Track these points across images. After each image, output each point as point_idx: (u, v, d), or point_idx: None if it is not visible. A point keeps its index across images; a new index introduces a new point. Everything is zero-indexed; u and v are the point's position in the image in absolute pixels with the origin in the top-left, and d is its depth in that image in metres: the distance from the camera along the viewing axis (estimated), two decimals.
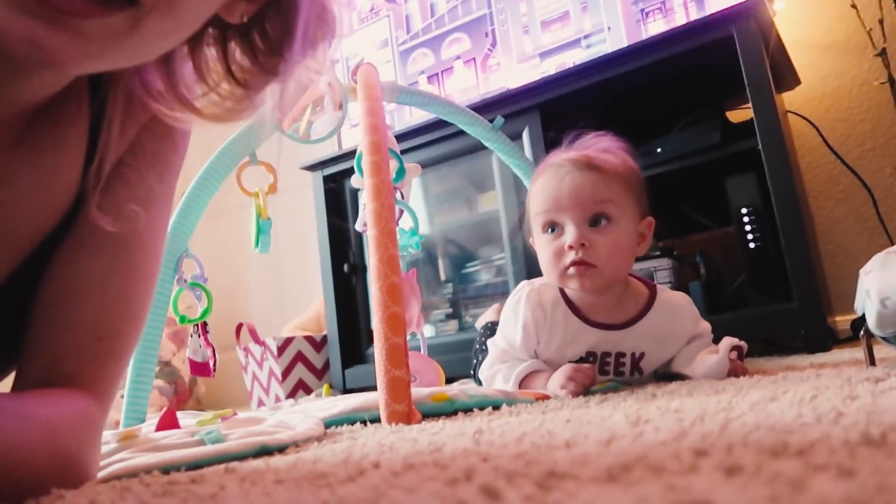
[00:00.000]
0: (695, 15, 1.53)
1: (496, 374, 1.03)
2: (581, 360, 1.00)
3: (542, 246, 0.99)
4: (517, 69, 1.78)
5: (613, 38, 1.63)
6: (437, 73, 1.93)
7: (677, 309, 1.01)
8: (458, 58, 1.89)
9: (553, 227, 0.98)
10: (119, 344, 0.51)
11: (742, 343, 0.95)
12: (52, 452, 0.42)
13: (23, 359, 0.48)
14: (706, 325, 1.04)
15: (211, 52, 0.49)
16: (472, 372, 1.22)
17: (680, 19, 1.55)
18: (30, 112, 0.46)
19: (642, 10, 1.60)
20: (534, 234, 1.02)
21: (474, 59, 1.86)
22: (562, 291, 1.01)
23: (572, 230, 0.95)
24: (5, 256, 0.48)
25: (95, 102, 0.50)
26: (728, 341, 0.93)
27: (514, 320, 1.02)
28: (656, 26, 1.57)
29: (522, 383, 0.99)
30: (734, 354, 0.93)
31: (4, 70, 0.41)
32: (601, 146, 1.01)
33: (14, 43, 0.35)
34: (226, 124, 0.52)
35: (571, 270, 0.95)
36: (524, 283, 1.06)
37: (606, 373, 1.01)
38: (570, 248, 0.95)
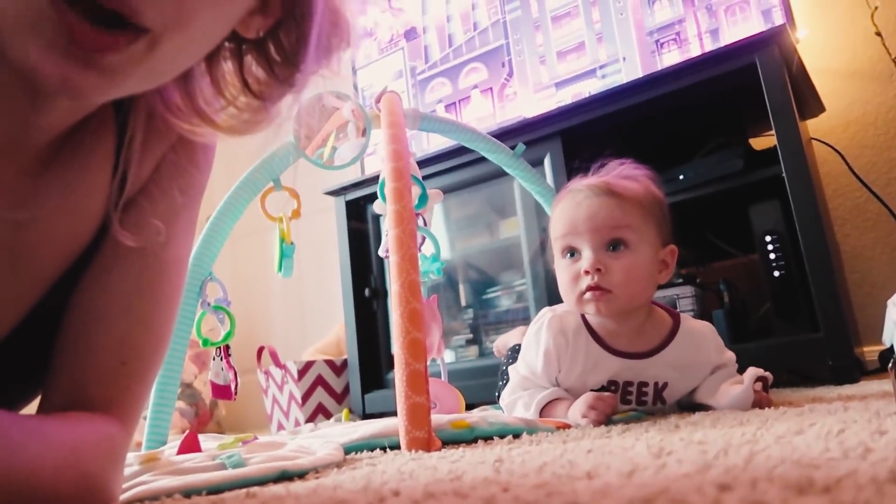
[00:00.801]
0: (709, 46, 1.54)
1: (517, 400, 1.02)
2: (603, 389, 0.99)
3: (561, 270, 1.00)
4: (533, 98, 1.80)
5: (629, 69, 1.65)
6: (454, 102, 1.96)
7: (701, 338, 1.00)
8: (476, 87, 1.92)
9: (572, 251, 0.99)
10: (142, 367, 0.51)
11: (767, 374, 0.94)
12: (76, 475, 0.42)
13: (48, 382, 0.48)
14: (731, 355, 1.02)
15: (228, 66, 0.50)
16: (496, 395, 1.22)
17: (694, 50, 1.56)
18: (56, 137, 0.47)
19: (657, 41, 1.62)
20: (554, 258, 1.03)
21: (491, 88, 1.89)
22: (584, 318, 1.01)
23: (589, 255, 0.96)
24: (34, 280, 0.49)
25: (119, 124, 0.51)
26: (752, 372, 0.92)
27: (535, 347, 1.02)
28: (671, 57, 1.59)
29: (543, 411, 0.98)
30: (759, 385, 0.92)
31: (32, 98, 0.43)
32: (624, 173, 1.01)
33: (46, 80, 0.37)
34: (243, 137, 0.52)
35: (588, 295, 0.95)
36: (546, 309, 1.06)
37: (629, 402, 1.00)
38: (586, 272, 0.95)
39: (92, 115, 0.48)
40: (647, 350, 0.98)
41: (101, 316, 0.49)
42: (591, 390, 0.98)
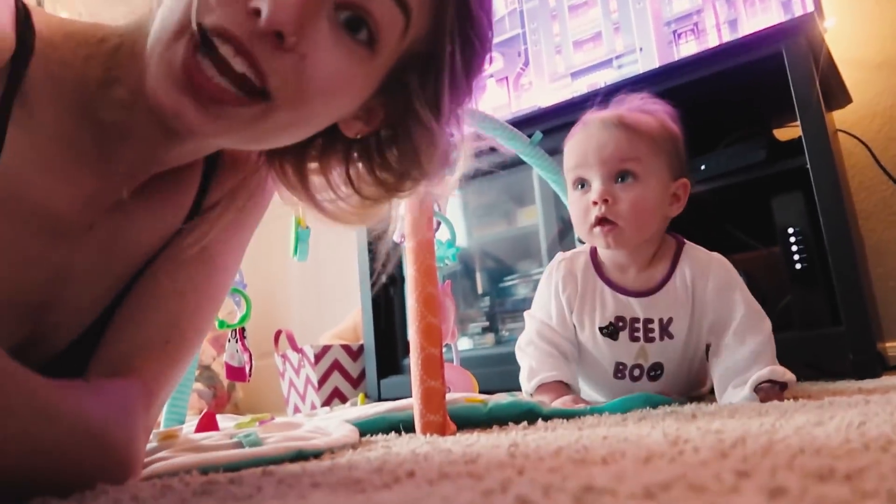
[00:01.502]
0: (728, 37, 1.52)
1: (526, 355, 1.05)
2: (610, 325, 1.03)
3: (572, 202, 1.04)
4: (549, 88, 1.79)
5: (645, 59, 1.63)
6: None
7: (704, 267, 1.00)
8: (491, 76, 1.91)
9: (582, 183, 1.02)
10: (182, 350, 0.54)
11: (785, 378, 0.90)
12: (103, 445, 0.44)
13: (100, 345, 0.52)
14: (755, 322, 0.96)
15: (339, 167, 0.55)
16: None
17: (712, 41, 1.54)
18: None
19: (675, 32, 1.60)
20: (568, 191, 1.07)
21: (507, 77, 1.88)
22: (593, 256, 1.06)
23: (597, 186, 0.99)
24: (119, 278, 0.54)
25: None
26: (758, 376, 0.89)
27: (546, 289, 1.08)
28: (688, 47, 1.57)
29: (538, 388, 1.02)
30: (768, 386, 0.89)
31: (166, 137, 0.48)
32: (640, 106, 1.04)
33: (163, 112, 0.43)
34: (346, 226, 0.57)
35: (597, 230, 0.99)
36: (559, 253, 1.11)
37: (637, 339, 1.02)
38: (595, 203, 0.98)
39: None
40: (652, 287, 1.01)
41: (155, 297, 0.54)
42: (599, 328, 1.02)
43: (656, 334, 1.01)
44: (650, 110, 1.03)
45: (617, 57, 1.68)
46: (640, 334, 1.02)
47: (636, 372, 1.04)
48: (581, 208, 1.01)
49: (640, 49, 1.65)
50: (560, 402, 0.95)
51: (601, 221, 0.98)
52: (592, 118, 1.03)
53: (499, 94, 1.89)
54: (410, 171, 0.54)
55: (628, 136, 0.98)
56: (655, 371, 1.03)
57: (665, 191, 1.00)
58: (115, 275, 0.54)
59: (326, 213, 0.56)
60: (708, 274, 1.00)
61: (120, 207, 0.52)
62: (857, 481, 0.29)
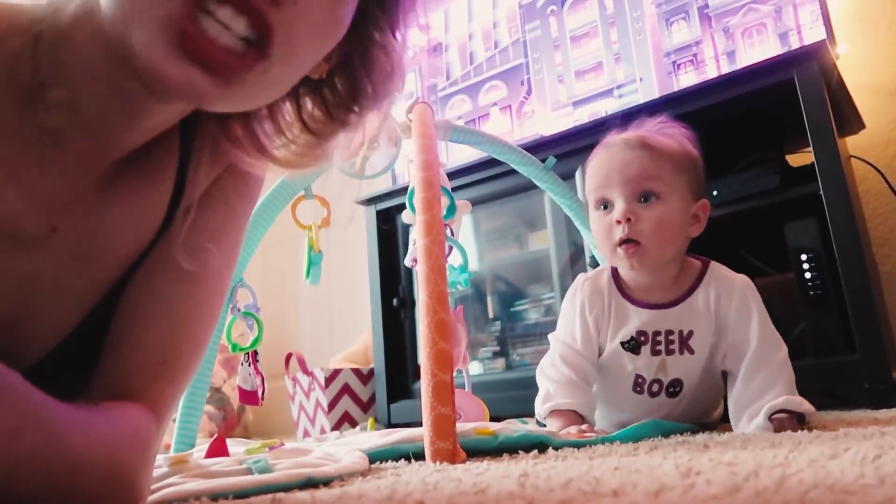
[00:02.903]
0: (726, 68, 1.54)
1: (546, 378, 1.04)
2: (632, 340, 1.02)
3: (595, 222, 1.04)
4: (551, 116, 1.82)
5: (645, 89, 1.65)
6: (474, 119, 1.98)
7: (729, 286, 1.00)
8: (495, 104, 1.95)
9: (605, 204, 1.02)
10: (181, 369, 0.53)
11: (804, 410, 0.88)
12: (110, 472, 0.43)
13: (96, 371, 0.50)
14: (769, 351, 0.96)
15: (287, 107, 0.54)
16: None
17: (711, 72, 1.56)
18: (128, 153, 0.50)
19: (674, 63, 1.62)
20: (590, 212, 1.06)
21: (510, 105, 1.92)
22: (614, 275, 1.05)
23: (620, 206, 0.99)
24: (95, 283, 0.51)
25: (183, 145, 0.54)
26: (773, 405, 0.88)
27: (572, 312, 1.07)
28: (687, 78, 1.60)
29: (550, 413, 1.01)
30: (784, 416, 0.88)
31: (125, 116, 0.46)
32: (660, 129, 1.04)
33: (173, 85, 0.41)
34: (298, 170, 0.56)
35: (620, 252, 0.99)
36: (581, 275, 1.11)
37: (658, 352, 1.02)
38: (618, 222, 0.98)
39: (160, 137, 0.51)
40: (673, 299, 1.01)
41: (146, 315, 0.51)
42: (621, 343, 1.02)
43: (676, 346, 1.01)
44: (670, 133, 1.04)
45: (618, 86, 1.72)
46: (662, 347, 1.01)
47: (655, 387, 1.03)
48: (603, 228, 1.01)
49: (641, 79, 1.68)
50: (565, 432, 0.94)
51: (624, 241, 0.98)
52: (614, 139, 1.03)
53: (502, 122, 1.92)
54: (363, 101, 0.53)
55: (651, 156, 0.99)
56: (675, 388, 1.02)
57: (687, 211, 1.00)
58: (89, 281, 0.50)
59: (279, 163, 0.54)
60: (732, 293, 0.99)
61: (87, 206, 0.48)
62: None
